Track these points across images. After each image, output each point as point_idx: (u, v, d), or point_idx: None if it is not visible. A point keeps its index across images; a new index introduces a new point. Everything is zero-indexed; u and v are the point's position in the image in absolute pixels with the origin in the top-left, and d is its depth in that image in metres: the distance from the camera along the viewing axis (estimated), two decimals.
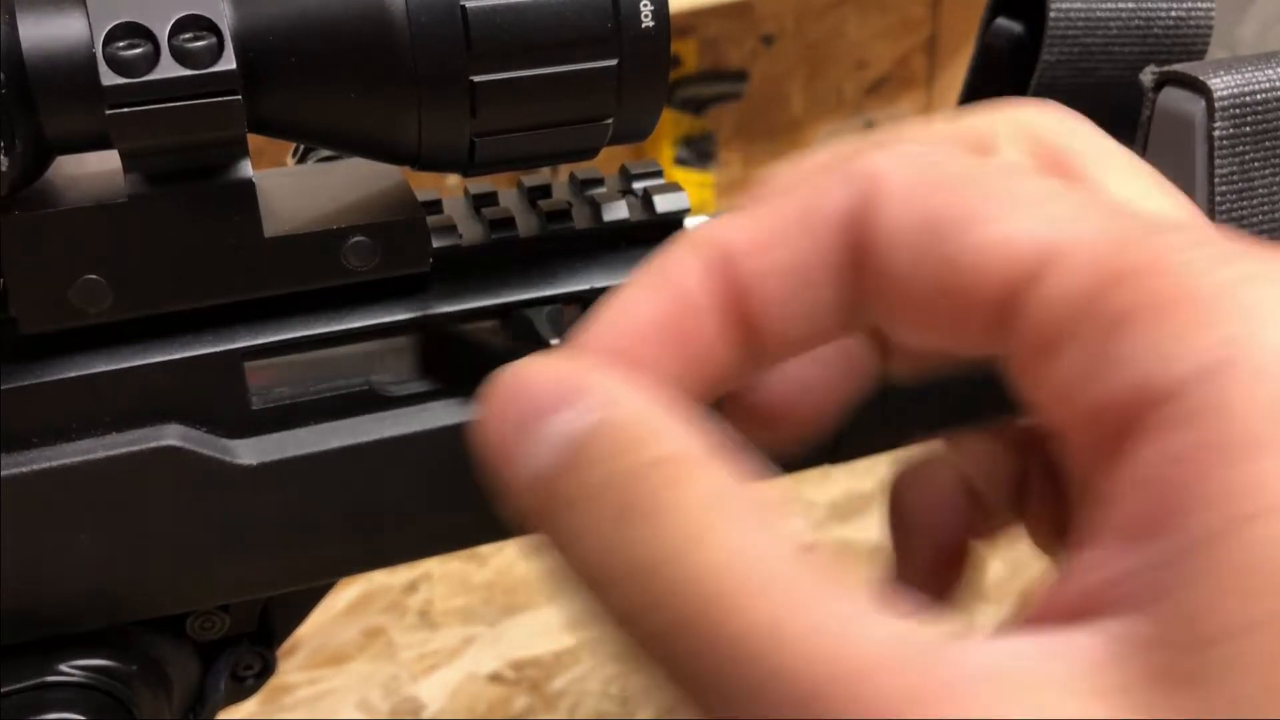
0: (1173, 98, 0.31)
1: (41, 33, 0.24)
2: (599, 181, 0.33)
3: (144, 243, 0.26)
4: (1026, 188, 0.17)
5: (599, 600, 0.16)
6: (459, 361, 0.30)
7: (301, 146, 0.34)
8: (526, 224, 0.31)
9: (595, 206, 0.32)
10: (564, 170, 0.32)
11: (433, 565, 0.98)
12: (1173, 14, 0.35)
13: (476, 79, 0.26)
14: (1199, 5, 0.35)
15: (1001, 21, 0.37)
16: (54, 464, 0.27)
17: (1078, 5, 0.34)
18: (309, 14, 0.26)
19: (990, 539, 0.27)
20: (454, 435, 0.30)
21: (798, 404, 0.22)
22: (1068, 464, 0.17)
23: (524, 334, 0.30)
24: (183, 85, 0.24)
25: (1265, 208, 0.31)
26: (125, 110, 0.24)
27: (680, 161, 1.70)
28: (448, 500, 0.30)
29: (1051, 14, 0.34)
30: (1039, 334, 0.16)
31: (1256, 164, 0.31)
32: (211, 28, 0.25)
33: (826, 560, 0.16)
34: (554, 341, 0.30)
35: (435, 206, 0.31)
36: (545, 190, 0.33)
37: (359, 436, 0.29)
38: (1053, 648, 0.15)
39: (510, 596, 0.95)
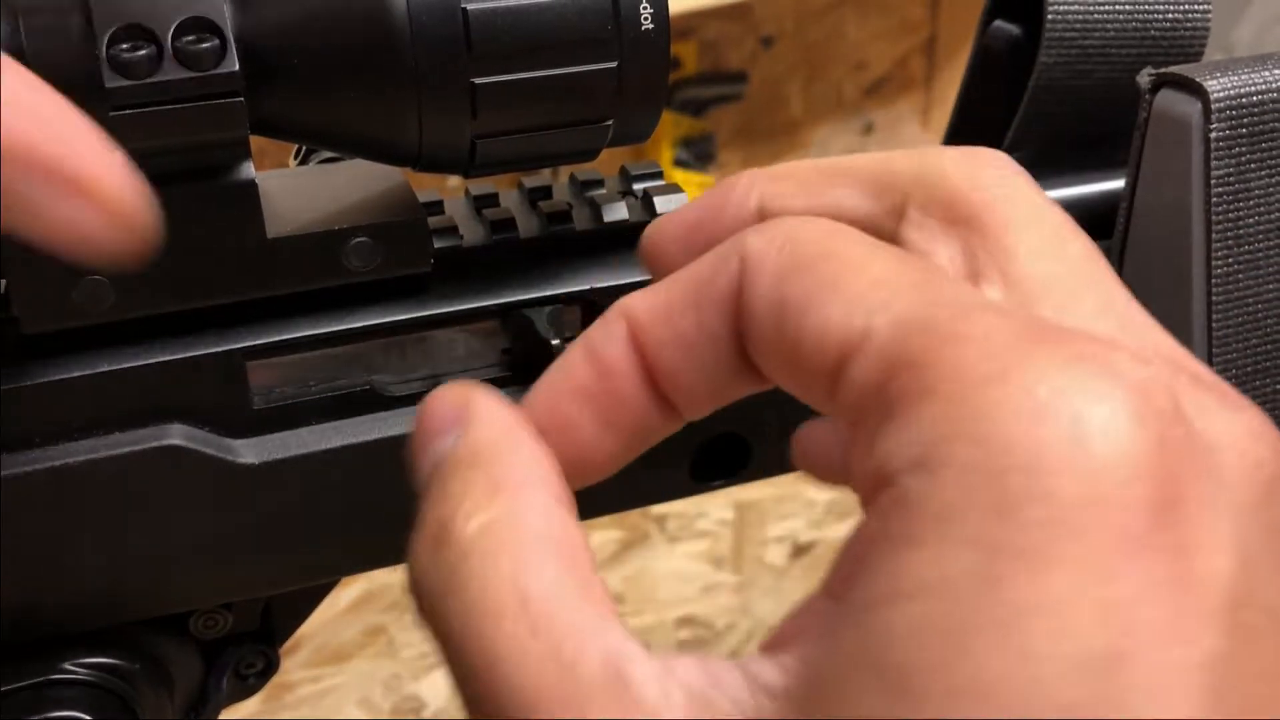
0: (1169, 99, 0.31)
1: (45, 35, 0.24)
2: (599, 183, 0.33)
3: None
4: (860, 271, 0.19)
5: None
6: (538, 353, 0.30)
7: (303, 148, 0.34)
8: (527, 225, 0.31)
9: (595, 207, 0.32)
10: (564, 171, 0.32)
11: None
12: (1169, 16, 0.35)
13: (477, 81, 0.26)
14: (1195, 7, 0.35)
15: (999, 23, 0.37)
16: (57, 464, 0.27)
17: (1075, 7, 0.34)
18: (311, 16, 0.26)
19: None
20: None
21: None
22: None
23: (524, 334, 0.30)
24: (186, 87, 0.25)
25: (1261, 209, 0.31)
26: (128, 112, 0.24)
27: (680, 163, 1.70)
28: None
29: (1049, 16, 0.34)
30: (846, 411, 0.19)
31: (1252, 166, 0.31)
32: (214, 30, 0.25)
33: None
34: (554, 342, 0.30)
35: (436, 207, 0.31)
36: (546, 191, 0.33)
37: (360, 436, 0.30)
38: (677, 669, 0.17)
39: None
